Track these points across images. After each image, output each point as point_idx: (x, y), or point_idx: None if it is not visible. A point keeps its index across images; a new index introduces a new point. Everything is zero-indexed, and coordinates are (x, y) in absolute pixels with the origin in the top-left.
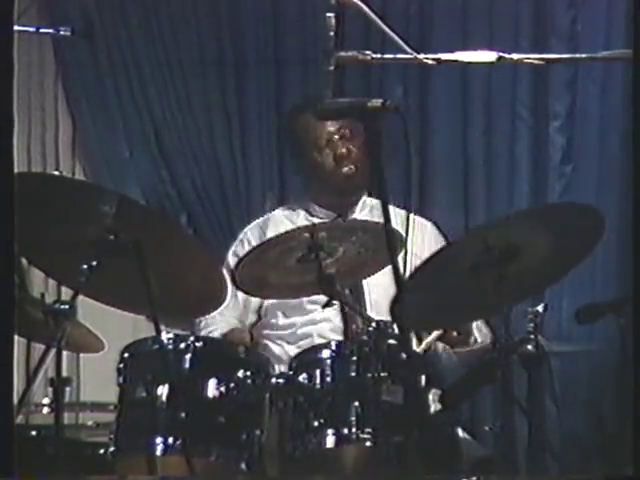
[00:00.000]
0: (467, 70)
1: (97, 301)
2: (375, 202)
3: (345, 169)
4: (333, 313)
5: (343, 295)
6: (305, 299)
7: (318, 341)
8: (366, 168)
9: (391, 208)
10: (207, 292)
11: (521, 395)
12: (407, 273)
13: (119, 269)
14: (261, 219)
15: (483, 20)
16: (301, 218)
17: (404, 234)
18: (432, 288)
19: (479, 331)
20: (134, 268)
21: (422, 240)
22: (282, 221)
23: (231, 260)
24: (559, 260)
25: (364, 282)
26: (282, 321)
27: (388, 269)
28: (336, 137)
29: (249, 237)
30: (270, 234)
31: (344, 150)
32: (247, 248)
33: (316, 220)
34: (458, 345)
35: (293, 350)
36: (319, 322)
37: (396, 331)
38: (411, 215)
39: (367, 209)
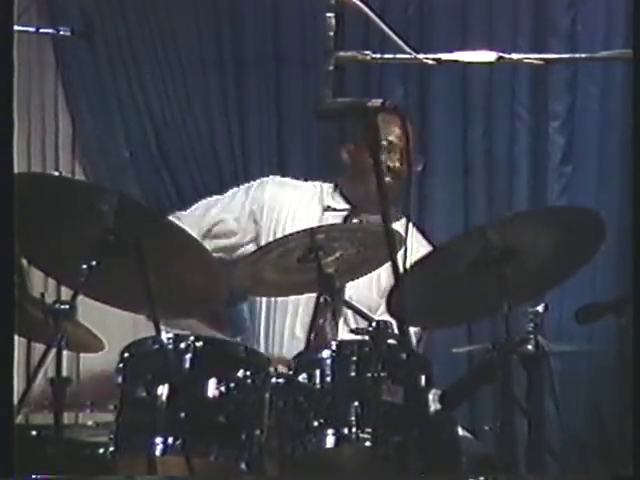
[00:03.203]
0: (467, 70)
1: (97, 301)
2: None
3: (388, 180)
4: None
5: (341, 295)
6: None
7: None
8: (405, 192)
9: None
10: (206, 291)
11: (521, 395)
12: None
13: (119, 269)
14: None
15: (483, 20)
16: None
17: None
18: (429, 284)
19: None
20: (134, 268)
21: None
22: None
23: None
24: (560, 263)
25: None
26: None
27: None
28: (397, 149)
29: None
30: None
31: (397, 165)
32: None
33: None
34: None
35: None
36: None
37: (396, 331)
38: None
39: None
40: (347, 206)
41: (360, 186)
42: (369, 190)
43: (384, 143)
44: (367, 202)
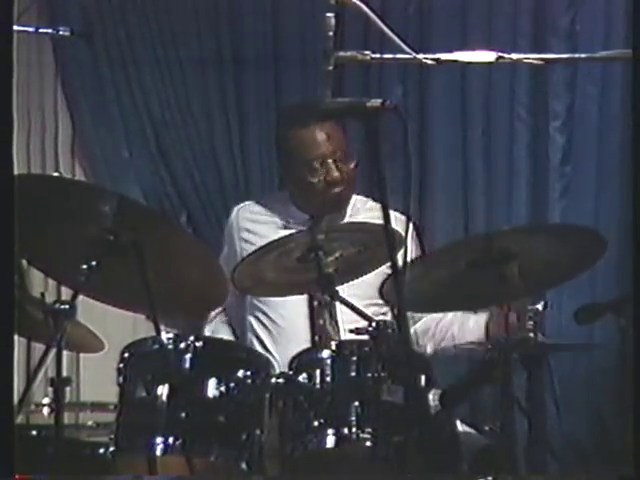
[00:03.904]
0: (466, 70)
1: (97, 301)
2: (370, 204)
3: (335, 190)
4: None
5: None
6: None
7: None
8: (354, 186)
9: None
10: (207, 290)
11: (521, 395)
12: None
13: (119, 269)
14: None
15: (482, 20)
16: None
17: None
18: (428, 280)
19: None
20: (134, 268)
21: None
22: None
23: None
24: (555, 268)
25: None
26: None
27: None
28: (330, 160)
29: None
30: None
31: (337, 174)
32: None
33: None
34: None
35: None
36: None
37: (396, 331)
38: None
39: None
40: (306, 218)
41: (313, 202)
42: (319, 203)
43: (317, 164)
44: (322, 212)
